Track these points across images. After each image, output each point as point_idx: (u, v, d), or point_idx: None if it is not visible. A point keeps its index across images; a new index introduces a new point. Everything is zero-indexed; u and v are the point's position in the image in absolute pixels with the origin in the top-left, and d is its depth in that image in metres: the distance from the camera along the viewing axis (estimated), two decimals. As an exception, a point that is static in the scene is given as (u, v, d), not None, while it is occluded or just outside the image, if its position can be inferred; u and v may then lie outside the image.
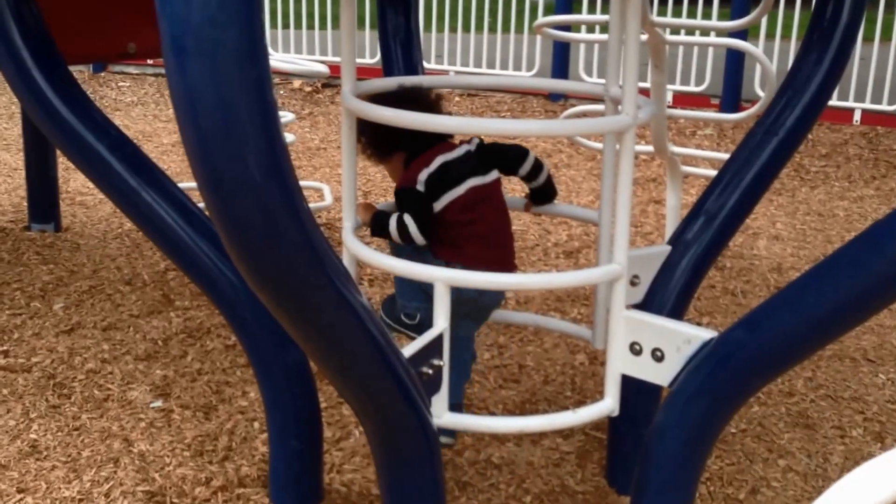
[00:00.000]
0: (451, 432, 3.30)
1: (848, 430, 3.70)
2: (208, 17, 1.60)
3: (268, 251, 1.91)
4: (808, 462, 3.46)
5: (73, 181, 7.06)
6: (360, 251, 2.64)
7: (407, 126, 2.63)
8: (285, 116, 5.68)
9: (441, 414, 2.50)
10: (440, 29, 10.71)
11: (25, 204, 6.17)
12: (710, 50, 9.34)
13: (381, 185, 7.07)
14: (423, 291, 2.99)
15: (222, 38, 1.62)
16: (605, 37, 3.20)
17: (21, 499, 3.15)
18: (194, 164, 1.79)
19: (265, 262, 1.94)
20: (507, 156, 3.05)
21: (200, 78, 1.66)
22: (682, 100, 9.33)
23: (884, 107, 8.82)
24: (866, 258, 2.10)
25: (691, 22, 7.73)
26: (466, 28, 10.50)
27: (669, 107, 7.71)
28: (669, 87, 8.92)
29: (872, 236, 2.11)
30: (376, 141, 3.03)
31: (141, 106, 10.30)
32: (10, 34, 2.78)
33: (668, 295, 3.04)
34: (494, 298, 3.11)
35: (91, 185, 6.73)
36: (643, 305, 3.00)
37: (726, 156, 3.34)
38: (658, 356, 2.53)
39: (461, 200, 2.91)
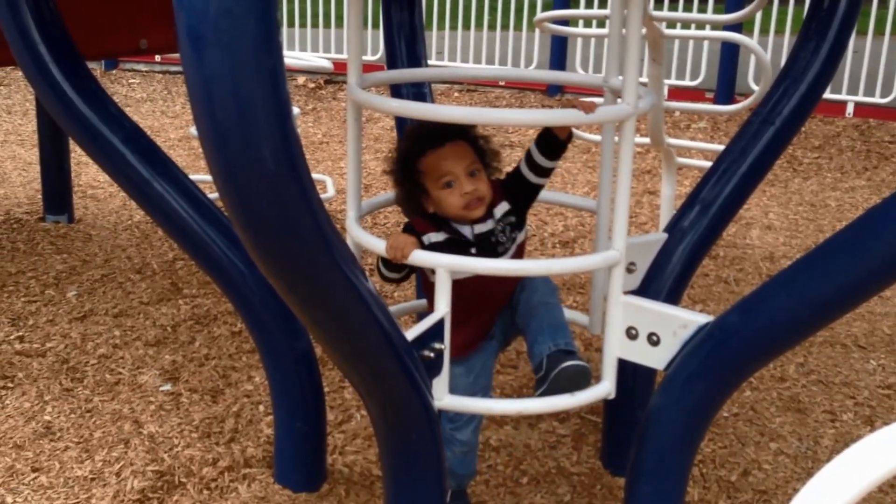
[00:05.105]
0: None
1: (839, 415, 3.78)
2: (225, 8, 1.63)
3: (280, 237, 1.95)
4: (799, 445, 3.54)
5: (84, 175, 7.18)
6: (362, 239, 2.66)
7: (412, 116, 2.65)
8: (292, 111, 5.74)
9: (441, 396, 2.52)
10: (441, 26, 10.77)
11: (40, 196, 6.31)
12: (706, 45, 9.41)
13: (381, 178, 7.13)
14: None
15: (239, 29, 1.65)
16: (605, 31, 3.23)
17: (35, 478, 3.24)
18: (209, 154, 1.82)
19: (277, 247, 1.99)
20: (518, 181, 2.72)
21: (217, 69, 1.68)
22: (677, 94, 9.38)
23: (876, 99, 8.92)
24: (863, 242, 2.13)
25: (688, 15, 7.79)
26: (466, 25, 10.56)
27: (665, 100, 7.78)
28: (665, 81, 8.98)
29: (869, 221, 2.15)
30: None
31: (150, 102, 10.43)
32: (29, 30, 2.83)
33: (664, 282, 3.07)
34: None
35: (102, 178, 6.86)
36: (639, 292, 3.03)
37: (721, 147, 3.37)
38: (654, 340, 2.56)
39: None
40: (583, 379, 2.53)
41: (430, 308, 2.77)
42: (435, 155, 2.64)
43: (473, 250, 2.64)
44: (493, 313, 2.79)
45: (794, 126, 3.16)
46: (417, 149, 2.68)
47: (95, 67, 11.58)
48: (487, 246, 2.66)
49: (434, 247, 2.62)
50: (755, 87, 8.58)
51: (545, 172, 2.69)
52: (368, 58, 10.44)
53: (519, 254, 2.74)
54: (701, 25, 8.89)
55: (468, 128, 2.71)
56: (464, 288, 2.53)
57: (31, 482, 3.22)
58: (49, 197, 6.15)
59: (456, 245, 2.63)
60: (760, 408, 3.79)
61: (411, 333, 2.41)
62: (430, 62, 9.90)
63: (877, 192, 7.22)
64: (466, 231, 2.66)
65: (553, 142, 2.62)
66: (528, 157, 2.67)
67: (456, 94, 10.25)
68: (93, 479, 3.24)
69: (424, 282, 2.80)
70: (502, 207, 2.70)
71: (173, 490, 3.18)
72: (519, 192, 2.73)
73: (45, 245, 5.64)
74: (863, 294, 2.25)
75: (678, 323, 2.53)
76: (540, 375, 2.58)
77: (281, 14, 11.51)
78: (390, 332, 2.30)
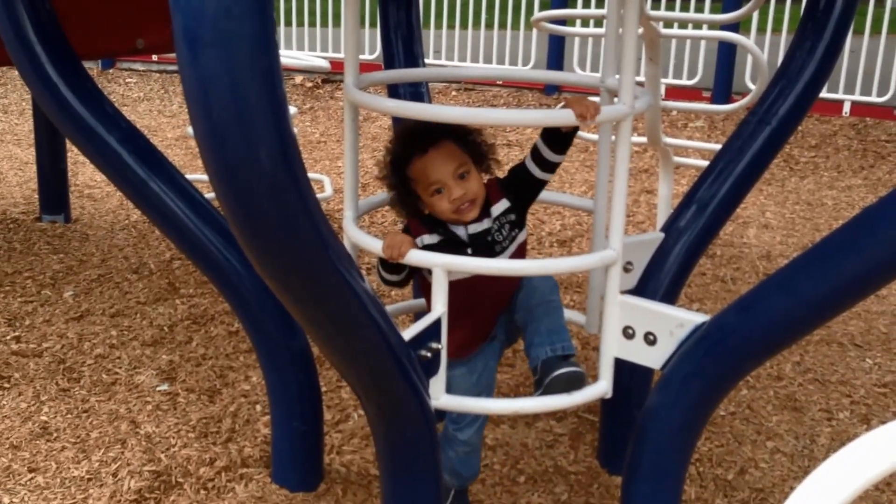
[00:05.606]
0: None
1: (835, 413, 3.79)
2: (224, 8, 1.63)
3: (277, 237, 1.95)
4: (796, 444, 3.55)
5: (81, 174, 7.19)
6: (359, 239, 2.65)
7: (409, 116, 2.65)
8: (289, 110, 5.75)
9: (438, 395, 2.53)
10: (438, 25, 10.78)
11: (36, 196, 6.31)
12: (703, 44, 9.43)
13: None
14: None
15: (237, 30, 1.65)
16: (601, 30, 3.24)
17: (32, 478, 3.24)
18: (206, 154, 1.82)
19: (274, 247, 1.99)
20: (522, 177, 2.70)
21: (214, 68, 1.68)
22: (674, 93, 9.41)
23: (873, 98, 8.94)
24: (859, 241, 2.14)
25: (685, 15, 7.79)
26: (464, 24, 10.58)
27: (662, 99, 7.81)
28: (662, 80, 9.01)
29: (865, 220, 2.15)
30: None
31: (147, 101, 10.46)
32: (25, 30, 2.83)
33: (660, 281, 3.08)
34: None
35: (98, 178, 6.87)
36: (636, 291, 3.04)
37: (718, 146, 3.38)
38: (651, 340, 2.57)
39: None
40: (577, 384, 2.54)
41: (429, 308, 2.77)
42: (421, 162, 2.62)
43: (469, 251, 2.63)
44: (491, 315, 2.78)
45: (791, 125, 3.16)
46: (404, 155, 2.66)
47: (92, 67, 11.60)
48: (483, 245, 2.64)
49: (428, 249, 2.61)
50: (752, 86, 8.60)
51: (551, 167, 2.67)
52: (366, 57, 10.45)
53: (520, 253, 2.73)
54: (698, 25, 8.91)
55: (455, 126, 2.68)
56: (457, 289, 2.50)
57: (28, 482, 3.22)
58: (46, 197, 6.16)
59: (450, 246, 2.61)
60: (757, 406, 3.80)
61: (408, 333, 2.41)
62: (427, 61, 9.96)
63: (873, 191, 7.23)
64: (461, 231, 2.65)
65: (558, 135, 2.60)
66: (535, 152, 2.65)
67: (454, 93, 10.26)
68: (90, 480, 3.24)
69: (422, 282, 2.79)
70: (501, 206, 2.68)
71: (170, 490, 3.18)
72: (521, 188, 2.71)
73: (41, 245, 5.64)
74: (859, 293, 2.26)
75: (675, 322, 2.54)
76: (536, 378, 2.59)
77: (278, 13, 11.54)
78: (387, 332, 2.31)
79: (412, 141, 2.65)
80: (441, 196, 2.60)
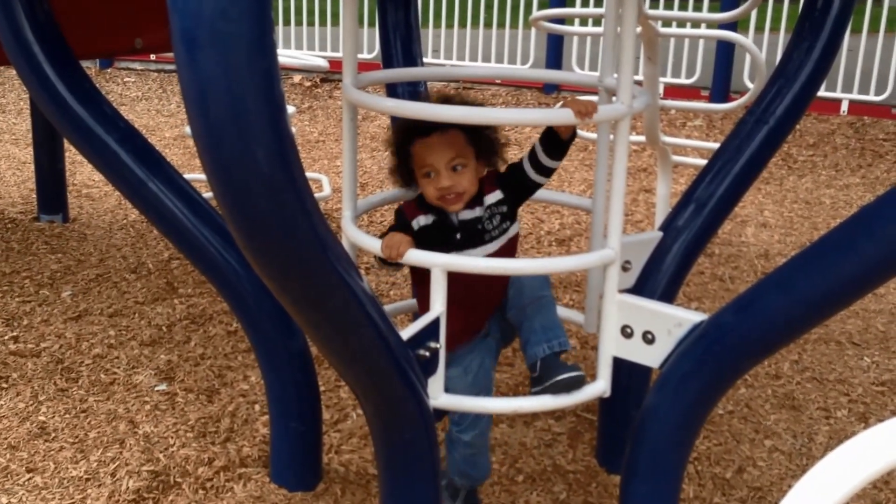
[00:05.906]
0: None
1: (833, 412, 3.79)
2: (220, 10, 1.64)
3: (274, 237, 1.96)
4: (794, 442, 3.55)
5: (79, 174, 7.19)
6: (358, 238, 2.66)
7: (407, 115, 2.65)
8: (287, 110, 5.75)
9: (437, 395, 2.53)
10: (437, 25, 10.77)
11: (34, 196, 6.30)
12: (701, 43, 9.42)
13: (377, 177, 7.14)
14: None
15: (234, 31, 1.66)
16: (600, 29, 3.24)
17: (30, 478, 3.24)
18: (204, 154, 1.83)
19: (272, 248, 1.99)
20: (518, 177, 2.71)
21: (211, 70, 1.69)
22: (672, 92, 9.40)
23: (871, 97, 8.93)
24: (857, 240, 2.14)
25: (683, 14, 7.79)
26: (462, 23, 10.57)
27: (661, 98, 7.81)
28: (660, 79, 9.01)
29: (863, 218, 2.15)
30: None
31: (145, 101, 10.46)
32: (23, 31, 2.83)
33: (659, 280, 3.09)
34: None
35: (97, 177, 6.87)
36: (634, 290, 3.04)
37: (716, 145, 3.38)
38: (649, 339, 2.57)
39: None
40: (577, 387, 2.56)
41: (420, 305, 2.77)
42: (422, 143, 2.65)
43: (458, 236, 2.66)
44: (480, 308, 2.78)
45: (789, 124, 3.17)
46: (410, 133, 2.69)
47: (90, 66, 11.60)
48: (473, 233, 2.67)
49: (423, 230, 2.65)
50: (750, 85, 8.59)
51: (547, 172, 2.68)
52: (365, 56, 10.44)
53: (511, 247, 2.75)
54: (696, 24, 8.90)
55: None
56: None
57: (26, 483, 3.22)
58: (43, 196, 6.16)
59: (442, 229, 2.66)
60: (755, 405, 3.80)
61: (407, 333, 2.41)
62: (426, 60, 9.92)
63: (871, 190, 7.24)
64: (452, 216, 2.68)
65: (556, 141, 2.61)
66: (532, 156, 2.66)
67: (452, 92, 10.25)
68: (88, 480, 3.24)
69: (412, 270, 2.79)
70: (494, 196, 2.70)
71: (168, 490, 3.18)
72: (516, 187, 2.73)
73: (39, 245, 5.63)
74: (857, 291, 2.26)
75: (673, 321, 2.54)
76: (535, 376, 2.60)
77: (276, 12, 11.54)
78: (385, 332, 2.31)
79: (422, 121, 2.66)
80: (429, 180, 2.64)
